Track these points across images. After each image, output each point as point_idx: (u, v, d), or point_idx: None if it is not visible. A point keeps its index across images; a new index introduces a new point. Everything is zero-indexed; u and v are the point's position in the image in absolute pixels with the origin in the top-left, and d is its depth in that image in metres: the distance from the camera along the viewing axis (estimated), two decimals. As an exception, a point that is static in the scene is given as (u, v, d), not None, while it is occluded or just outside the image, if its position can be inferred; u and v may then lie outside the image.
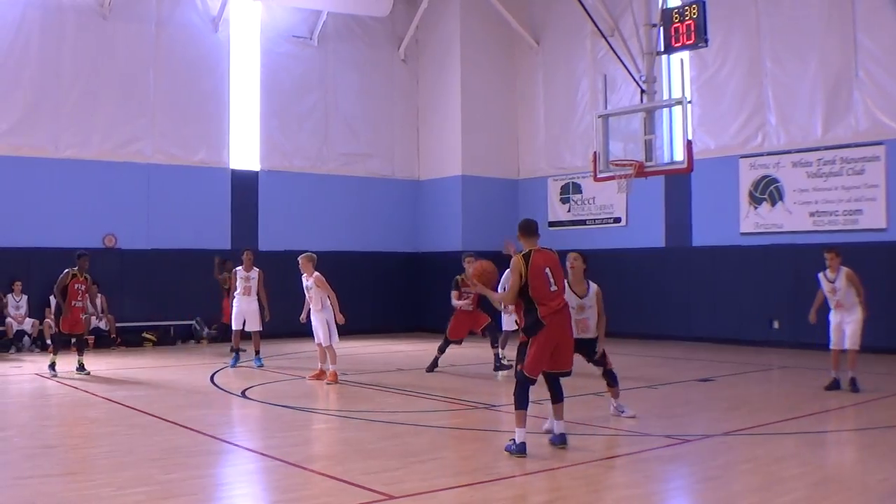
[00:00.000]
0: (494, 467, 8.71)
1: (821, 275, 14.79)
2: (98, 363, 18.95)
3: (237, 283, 18.39)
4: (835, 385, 14.28)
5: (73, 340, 17.72)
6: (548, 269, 9.47)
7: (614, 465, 9.14)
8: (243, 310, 18.35)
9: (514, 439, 9.21)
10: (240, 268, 18.48)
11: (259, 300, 18.42)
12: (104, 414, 12.61)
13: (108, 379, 16.37)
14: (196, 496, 8.04)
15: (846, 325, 14.43)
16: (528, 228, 9.94)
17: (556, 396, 9.75)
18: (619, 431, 10.62)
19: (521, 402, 9.35)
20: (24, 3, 22.54)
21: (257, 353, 18.38)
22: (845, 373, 14.31)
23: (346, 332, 24.85)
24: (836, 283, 14.52)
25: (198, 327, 23.98)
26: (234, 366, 17.96)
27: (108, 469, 8.83)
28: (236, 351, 18.34)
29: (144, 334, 22.84)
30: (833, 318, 14.68)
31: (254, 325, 18.38)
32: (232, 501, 8.16)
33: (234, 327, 18.48)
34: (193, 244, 24.18)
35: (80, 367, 16.90)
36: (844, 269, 14.50)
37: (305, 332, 24.66)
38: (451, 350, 16.92)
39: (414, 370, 17.93)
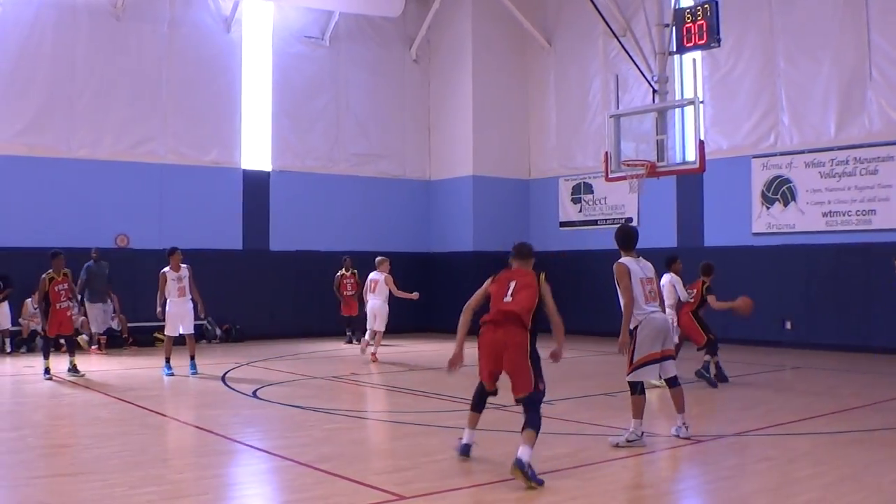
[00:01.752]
0: (506, 467, 8.68)
1: None
2: (110, 363, 19.02)
3: (168, 286, 17.13)
4: None
5: (62, 342, 17.61)
6: (512, 283, 9.11)
7: (627, 466, 9.11)
8: (178, 313, 17.20)
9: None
10: (167, 269, 17.21)
11: (192, 299, 17.34)
12: (116, 414, 12.62)
13: (120, 379, 16.38)
14: (207, 496, 8.03)
15: None
16: (515, 251, 9.67)
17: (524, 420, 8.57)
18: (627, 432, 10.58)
19: (472, 403, 9.34)
20: (38, 3, 22.60)
21: (192, 358, 17.10)
22: None
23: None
24: None
25: (209, 327, 24.01)
26: (170, 374, 16.75)
27: (120, 468, 8.84)
28: (168, 359, 17.08)
29: (156, 334, 22.82)
30: None
31: (189, 329, 17.33)
32: (243, 501, 8.16)
33: (169, 334, 17.29)
34: (205, 244, 24.21)
35: (73, 369, 16.65)
36: None
37: (316, 332, 24.79)
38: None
39: (425, 370, 17.94)
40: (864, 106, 20.93)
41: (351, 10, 26.89)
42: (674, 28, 19.05)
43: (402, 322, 26.30)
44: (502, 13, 27.53)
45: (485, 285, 9.28)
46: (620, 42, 21.82)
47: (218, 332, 24.14)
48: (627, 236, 10.82)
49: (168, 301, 17.18)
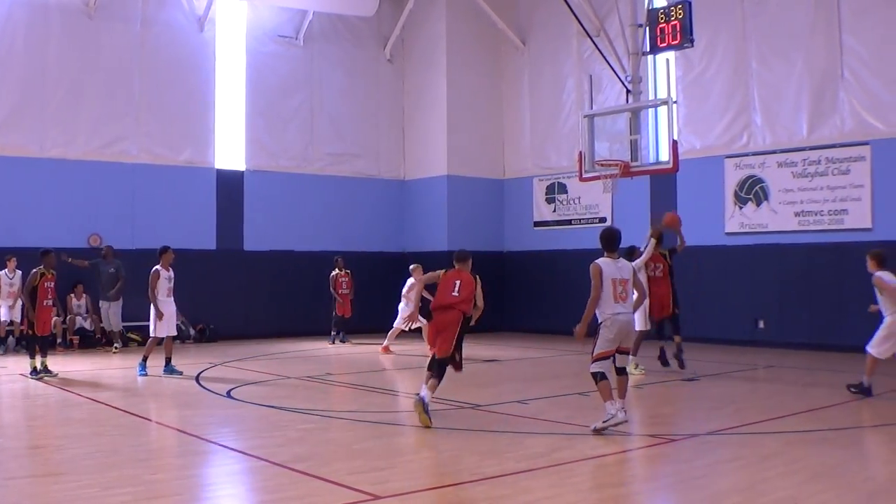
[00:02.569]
0: (480, 467, 8.71)
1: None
2: (83, 364, 18.93)
3: (159, 285, 16.72)
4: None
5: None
6: (457, 281, 11.81)
7: (600, 465, 9.15)
8: (172, 313, 17.01)
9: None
10: (159, 267, 16.82)
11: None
12: (89, 414, 12.57)
13: (93, 379, 16.31)
14: (181, 496, 8.02)
15: None
16: (457, 256, 12.25)
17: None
18: (605, 431, 10.63)
19: (427, 366, 11.81)
20: (9, 2, 22.45)
21: (169, 360, 16.83)
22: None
23: (330, 332, 24.98)
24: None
25: (183, 327, 23.93)
26: (143, 374, 16.48)
27: (94, 469, 8.81)
28: (147, 359, 16.76)
29: (129, 334, 22.77)
30: None
31: (173, 330, 17.25)
32: (217, 502, 8.15)
33: (161, 334, 16.84)
34: (179, 244, 24.06)
35: (44, 370, 16.40)
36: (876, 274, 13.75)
37: (291, 332, 24.75)
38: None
39: (400, 370, 17.94)
40: (835, 106, 21.07)
41: (325, 10, 26.85)
42: (647, 28, 19.14)
43: (376, 322, 26.29)
44: (476, 13, 27.56)
45: (439, 273, 12.08)
46: (594, 42, 21.91)
47: (192, 332, 24.06)
48: (608, 238, 11.37)
49: (161, 301, 16.73)
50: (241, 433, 11.38)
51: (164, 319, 16.75)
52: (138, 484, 8.25)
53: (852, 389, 13.76)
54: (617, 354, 10.97)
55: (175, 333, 17.28)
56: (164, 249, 17.10)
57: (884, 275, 13.54)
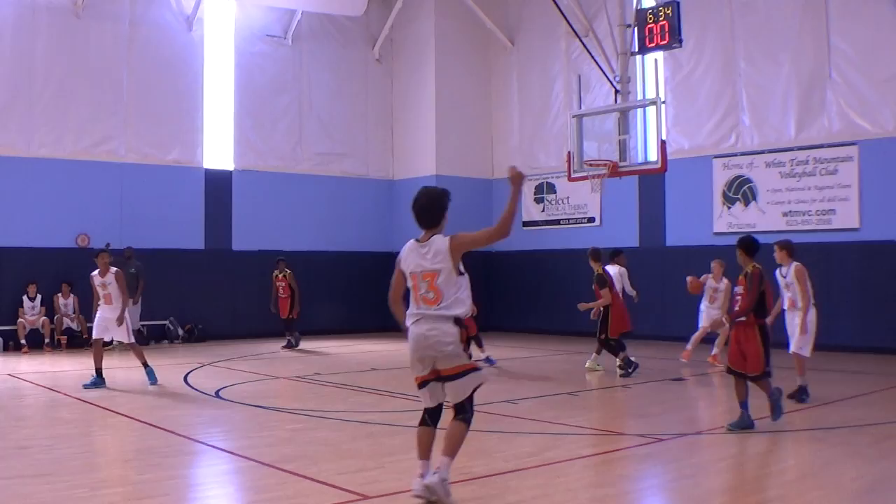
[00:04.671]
0: (469, 467, 8.70)
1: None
2: (71, 364, 18.87)
3: (97, 291, 15.54)
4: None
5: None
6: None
7: (589, 465, 9.16)
8: (107, 319, 15.51)
9: None
10: (95, 273, 15.50)
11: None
12: (77, 415, 12.53)
13: (81, 379, 16.25)
14: (170, 497, 8.00)
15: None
16: None
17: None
18: (594, 431, 10.64)
19: None
20: (-3, 1, 22.43)
21: (146, 365, 15.60)
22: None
23: (320, 332, 24.96)
24: (787, 279, 13.35)
25: (171, 327, 23.91)
26: (93, 386, 15.09)
27: (82, 470, 8.78)
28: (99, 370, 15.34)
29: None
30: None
31: (124, 337, 15.61)
32: (206, 502, 8.13)
33: (97, 336, 15.65)
34: (167, 244, 24.11)
35: None
36: (795, 265, 13.26)
37: (279, 332, 24.74)
38: None
39: (388, 370, 17.93)
40: (823, 107, 21.12)
41: (313, 10, 26.83)
42: (636, 28, 19.17)
43: (364, 322, 26.30)
44: (465, 13, 27.56)
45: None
46: (583, 42, 21.94)
47: (180, 332, 24.02)
48: (416, 212, 8.10)
49: (99, 306, 15.65)
50: (229, 433, 11.36)
51: (97, 322, 15.63)
52: (126, 484, 8.24)
53: (803, 398, 13.02)
54: (444, 384, 7.62)
55: (132, 340, 15.65)
56: (98, 252, 15.90)
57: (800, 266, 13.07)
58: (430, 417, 7.71)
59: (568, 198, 26.24)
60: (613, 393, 14.68)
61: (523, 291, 27.10)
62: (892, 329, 19.72)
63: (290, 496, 7.83)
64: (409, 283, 7.70)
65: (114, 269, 15.47)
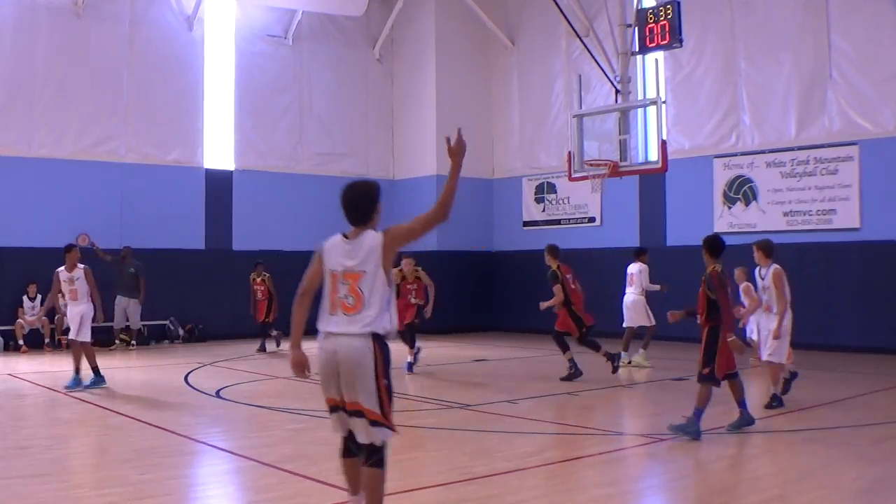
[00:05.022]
0: (469, 467, 8.71)
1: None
2: (71, 364, 18.86)
3: (62, 287, 15.29)
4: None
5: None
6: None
7: (589, 464, 9.15)
8: (76, 314, 15.15)
9: None
10: (61, 269, 15.23)
11: (93, 302, 15.22)
12: (77, 415, 12.54)
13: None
14: (170, 497, 8.01)
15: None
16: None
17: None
18: (594, 431, 10.65)
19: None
20: (-2, 1, 22.45)
21: (96, 370, 15.13)
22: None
23: (316, 332, 24.91)
24: (765, 281, 12.79)
25: (172, 327, 23.92)
26: (94, 385, 14.96)
27: (82, 470, 8.80)
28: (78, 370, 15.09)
29: (122, 335, 22.75)
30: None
31: (81, 335, 15.10)
32: (206, 502, 8.14)
33: (72, 337, 15.29)
34: (167, 244, 24.10)
35: None
36: (774, 267, 12.73)
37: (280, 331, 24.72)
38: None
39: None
40: (824, 106, 21.11)
41: (314, 9, 26.81)
42: (636, 28, 19.16)
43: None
44: (465, 12, 27.55)
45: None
46: (583, 42, 21.91)
47: (180, 332, 24.02)
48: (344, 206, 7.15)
49: (62, 304, 15.48)
50: (229, 433, 11.37)
51: (68, 321, 15.62)
52: (126, 484, 8.23)
53: (774, 405, 12.40)
54: (351, 418, 6.32)
55: (85, 339, 15.09)
56: (68, 248, 15.53)
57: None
58: (355, 444, 6.40)
59: (568, 198, 26.23)
60: (613, 393, 14.68)
61: (524, 291, 27.07)
62: (893, 329, 19.69)
63: (290, 496, 7.84)
64: (326, 285, 6.42)
65: (82, 265, 15.30)
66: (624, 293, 18.57)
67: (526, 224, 27.43)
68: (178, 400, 13.94)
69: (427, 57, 27.86)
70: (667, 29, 18.31)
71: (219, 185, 25.57)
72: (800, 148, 21.42)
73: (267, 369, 17.74)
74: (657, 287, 18.38)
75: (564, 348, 15.79)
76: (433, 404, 12.96)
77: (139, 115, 24.23)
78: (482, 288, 27.83)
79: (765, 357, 12.58)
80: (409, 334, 16.89)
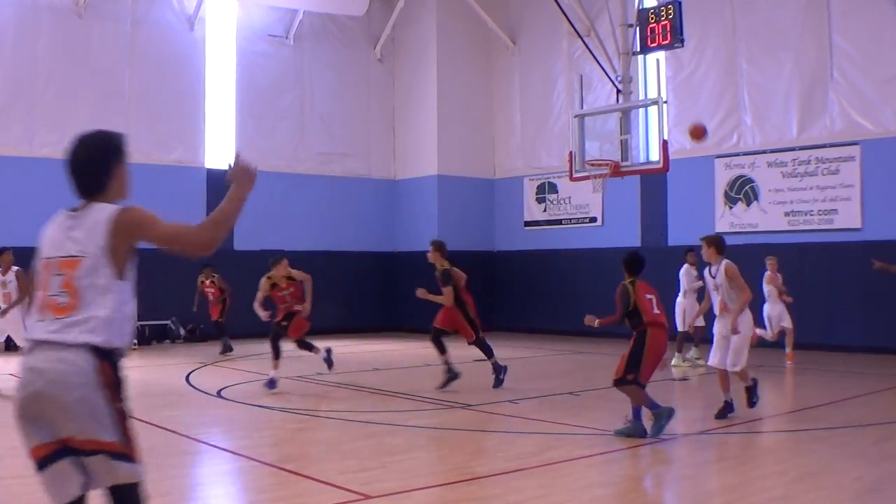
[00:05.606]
0: (470, 467, 8.71)
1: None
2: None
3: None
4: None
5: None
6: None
7: (590, 464, 9.14)
8: (8, 321, 14.80)
9: None
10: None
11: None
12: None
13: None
14: (171, 496, 7.99)
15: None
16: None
17: None
18: (595, 431, 10.64)
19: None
20: (1, 1, 22.40)
21: None
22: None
23: (321, 331, 24.92)
24: (717, 279, 11.87)
25: (173, 327, 23.92)
26: None
27: (83, 469, 8.76)
28: None
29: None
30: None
31: (19, 339, 14.86)
32: (207, 502, 8.13)
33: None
34: (169, 244, 24.07)
35: None
36: (725, 262, 11.86)
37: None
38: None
39: (389, 370, 17.92)
40: (825, 106, 21.11)
41: (315, 9, 26.83)
42: (637, 28, 19.16)
43: (365, 322, 26.30)
44: (467, 12, 27.55)
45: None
46: (585, 42, 21.90)
47: (182, 331, 24.04)
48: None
49: None
50: (230, 433, 11.37)
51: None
52: (128, 484, 8.21)
53: (726, 415, 11.50)
54: (87, 459, 4.41)
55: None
56: (2, 250, 15.38)
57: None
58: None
59: (570, 198, 26.21)
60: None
61: (525, 291, 27.09)
62: (894, 329, 19.69)
63: (291, 496, 7.83)
64: (37, 281, 4.54)
65: (16, 267, 15.11)
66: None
67: (527, 224, 27.43)
68: (178, 400, 13.94)
69: (428, 56, 27.86)
70: (668, 29, 18.29)
71: (221, 185, 25.37)
72: (801, 148, 21.42)
73: (268, 369, 17.69)
74: (699, 284, 17.77)
75: (442, 350, 14.54)
76: (434, 404, 12.95)
77: (141, 115, 24.22)
78: (483, 288, 27.80)
79: (730, 367, 11.54)
80: (304, 343, 15.78)
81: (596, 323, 10.78)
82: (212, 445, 10.34)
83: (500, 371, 14.53)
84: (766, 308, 18.03)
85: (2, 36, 22.50)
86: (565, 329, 24.55)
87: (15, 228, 22.07)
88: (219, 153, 25.92)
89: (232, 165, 5.02)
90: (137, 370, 16.28)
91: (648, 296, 10.49)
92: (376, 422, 11.47)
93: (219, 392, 14.33)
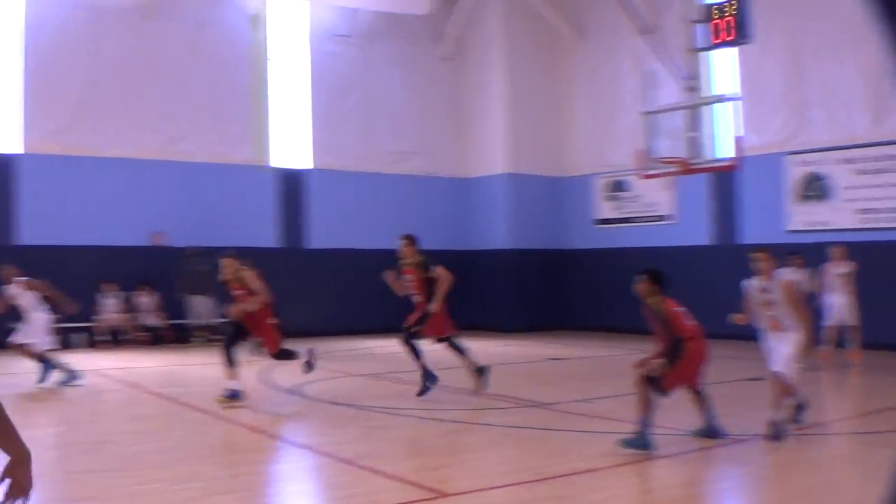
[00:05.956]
0: (545, 466, 8.69)
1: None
2: (150, 360, 19.14)
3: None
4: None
5: None
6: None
7: (666, 465, 9.07)
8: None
9: None
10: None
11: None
12: (156, 410, 12.72)
13: (160, 376, 16.49)
14: (248, 492, 8.09)
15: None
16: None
17: None
18: (671, 430, 10.57)
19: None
20: (69, 6, 22.81)
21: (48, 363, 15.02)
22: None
23: (397, 330, 25.00)
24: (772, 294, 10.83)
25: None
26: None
27: (161, 465, 8.90)
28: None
29: (195, 332, 23.07)
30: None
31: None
32: (283, 498, 8.21)
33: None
34: (239, 242, 24.27)
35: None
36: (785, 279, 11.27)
37: (359, 329, 24.82)
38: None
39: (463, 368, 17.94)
40: (897, 102, 20.77)
41: (377, 8, 26.87)
42: (703, 25, 19.01)
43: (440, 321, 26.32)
44: (531, 10, 27.49)
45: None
46: (651, 39, 21.76)
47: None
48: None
49: None
50: (306, 429, 11.46)
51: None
52: (205, 479, 8.33)
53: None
54: None
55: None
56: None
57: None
58: None
59: (640, 196, 26.05)
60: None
61: (597, 289, 26.95)
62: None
63: (366, 493, 7.86)
64: None
65: (22, 279, 15.12)
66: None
67: (598, 222, 27.32)
68: (255, 396, 14.02)
69: (494, 55, 27.83)
70: (733, 25, 18.16)
71: (290, 184, 25.78)
72: (874, 144, 21.05)
73: (344, 367, 17.83)
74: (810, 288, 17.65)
75: (417, 356, 14.02)
76: (507, 402, 12.95)
77: (208, 115, 24.49)
78: (555, 286, 27.76)
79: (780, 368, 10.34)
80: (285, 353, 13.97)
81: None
82: (288, 442, 10.45)
83: (429, 378, 13.77)
84: (828, 299, 17.69)
85: (71, 40, 22.89)
86: (638, 327, 24.37)
87: (88, 226, 22.53)
88: (292, 153, 26.15)
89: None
90: (213, 367, 16.44)
91: (678, 309, 10.03)
92: (453, 420, 11.51)
93: (295, 389, 14.39)
